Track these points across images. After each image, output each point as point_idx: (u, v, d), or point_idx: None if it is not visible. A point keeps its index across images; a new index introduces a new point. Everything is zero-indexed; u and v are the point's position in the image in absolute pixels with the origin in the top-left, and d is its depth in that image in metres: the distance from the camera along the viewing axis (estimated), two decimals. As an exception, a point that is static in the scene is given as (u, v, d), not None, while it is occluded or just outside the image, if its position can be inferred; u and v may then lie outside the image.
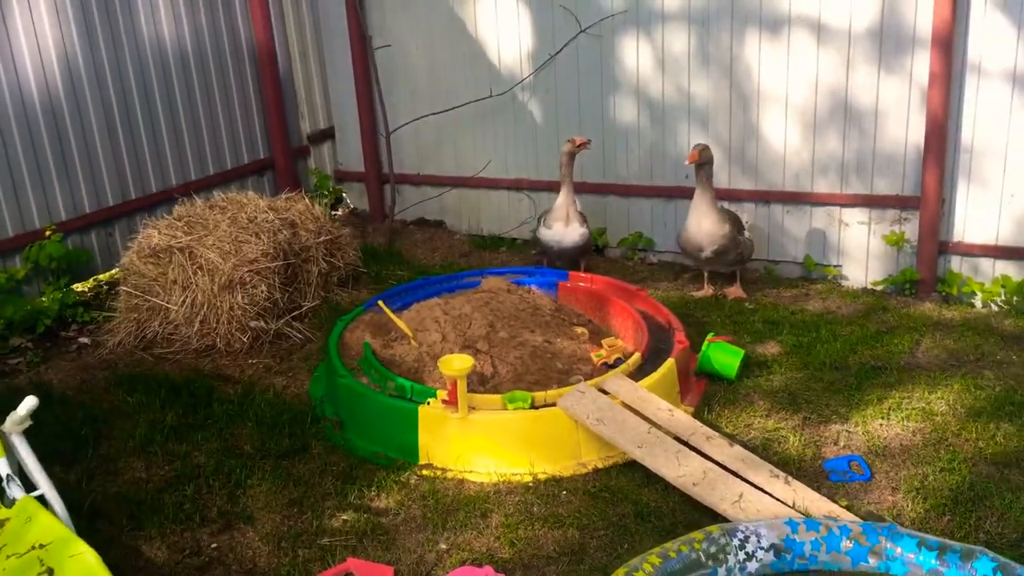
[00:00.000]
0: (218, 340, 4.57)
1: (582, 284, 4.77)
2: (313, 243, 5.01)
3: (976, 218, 4.85)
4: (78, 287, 5.13)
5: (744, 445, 3.49)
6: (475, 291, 4.59)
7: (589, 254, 5.44)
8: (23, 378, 4.37)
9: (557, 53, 5.67)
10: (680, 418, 3.52)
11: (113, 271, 5.35)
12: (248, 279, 4.57)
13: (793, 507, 3.09)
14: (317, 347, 4.66)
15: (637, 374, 3.84)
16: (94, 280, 5.32)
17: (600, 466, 3.51)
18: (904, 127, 4.89)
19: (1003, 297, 4.82)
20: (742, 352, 4.10)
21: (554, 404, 3.57)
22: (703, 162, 4.71)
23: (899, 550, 2.55)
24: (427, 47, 6.12)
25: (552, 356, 4.05)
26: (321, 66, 6.55)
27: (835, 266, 5.27)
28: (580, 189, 5.84)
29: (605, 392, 3.63)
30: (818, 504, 3.10)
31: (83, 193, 5.09)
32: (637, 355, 3.94)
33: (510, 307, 4.41)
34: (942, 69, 4.61)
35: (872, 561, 2.61)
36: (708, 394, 4.00)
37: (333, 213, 6.40)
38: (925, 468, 3.38)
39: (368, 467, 3.57)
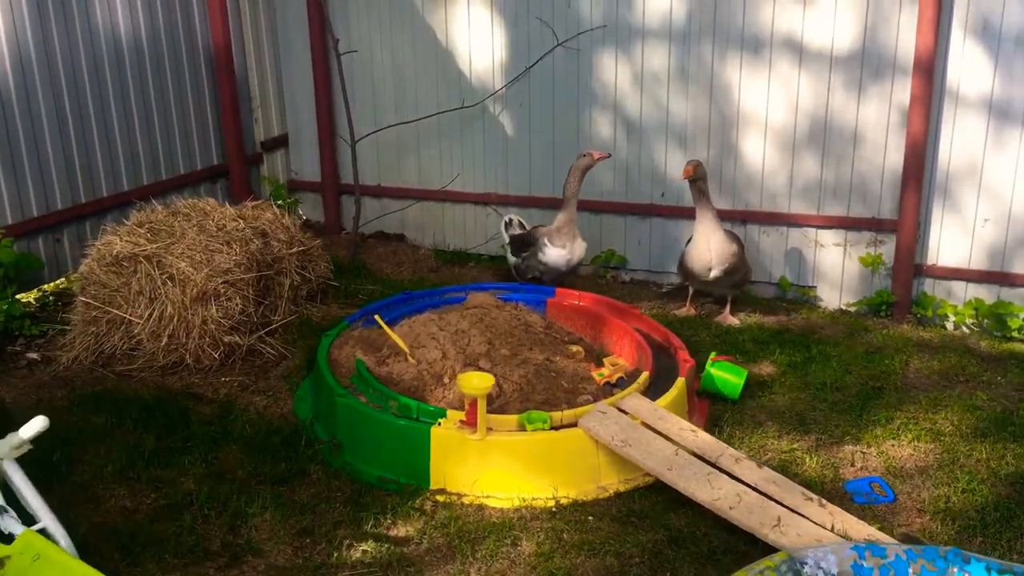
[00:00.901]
0: (187, 356, 4.23)
1: (571, 302, 4.64)
2: (285, 254, 4.72)
3: (950, 242, 4.96)
4: (22, 297, 4.68)
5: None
6: (465, 307, 4.40)
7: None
8: (-33, 397, 3.94)
9: (532, 65, 5.56)
10: (705, 439, 3.42)
11: (59, 281, 4.92)
12: (223, 291, 4.26)
13: (832, 530, 3.03)
14: (295, 364, 4.38)
15: (645, 394, 3.73)
16: (38, 290, 4.87)
17: (621, 490, 3.37)
18: (882, 151, 4.98)
19: (974, 320, 4.94)
20: (745, 372, 4.05)
21: (572, 425, 3.42)
22: (697, 178, 4.65)
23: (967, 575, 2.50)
24: (392, 54, 5.91)
25: (556, 375, 3.90)
26: (276, 71, 6.25)
27: (810, 287, 5.31)
28: (552, 204, 5.76)
29: (623, 412, 3.50)
30: (856, 527, 3.05)
31: (31, 195, 4.66)
32: (646, 374, 3.83)
33: (503, 324, 4.24)
34: (923, 93, 4.71)
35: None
36: (714, 414, 3.93)
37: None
38: (945, 489, 3.38)
39: (376, 493, 3.34)
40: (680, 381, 3.78)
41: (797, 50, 4.99)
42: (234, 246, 4.44)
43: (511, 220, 5.48)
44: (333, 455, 3.55)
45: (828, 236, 5.20)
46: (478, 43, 5.68)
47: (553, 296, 4.70)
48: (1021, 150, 4.71)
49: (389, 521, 3.16)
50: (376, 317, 4.14)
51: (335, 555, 2.96)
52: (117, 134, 5.11)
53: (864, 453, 3.64)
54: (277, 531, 3.09)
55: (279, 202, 6.05)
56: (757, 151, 5.23)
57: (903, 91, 4.83)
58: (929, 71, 4.67)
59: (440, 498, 3.30)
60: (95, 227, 5.01)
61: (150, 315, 4.19)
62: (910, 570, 2.54)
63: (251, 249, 4.51)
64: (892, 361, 4.42)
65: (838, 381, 4.21)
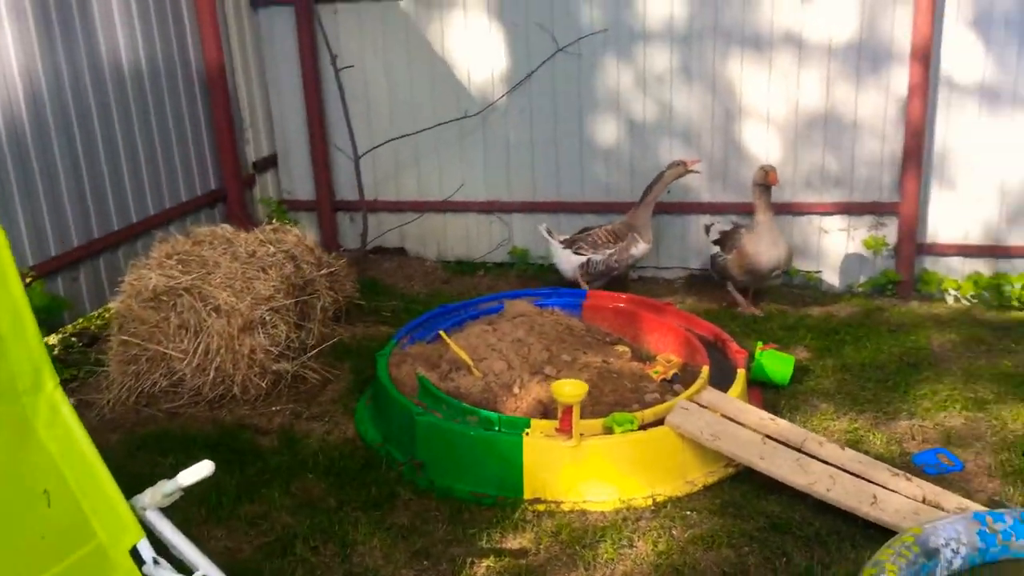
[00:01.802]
0: (235, 387, 4.15)
1: (607, 303, 4.72)
2: (316, 276, 4.67)
3: (948, 220, 5.23)
4: (47, 341, 4.50)
5: (841, 448, 3.56)
6: (511, 316, 4.43)
7: None
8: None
9: (533, 72, 5.62)
10: (785, 426, 3.54)
11: (78, 321, 4.75)
12: (268, 318, 4.19)
13: (924, 503, 3.18)
14: (343, 387, 4.33)
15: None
16: (59, 332, 4.69)
17: (708, 482, 3.47)
18: (881, 137, 5.21)
19: (975, 292, 5.21)
20: (792, 359, 4.20)
21: (654, 423, 3.50)
22: (769, 183, 4.82)
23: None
24: (386, 68, 5.89)
25: (617, 375, 3.96)
26: (263, 90, 6.14)
27: (815, 272, 5.51)
28: (557, 209, 5.83)
29: (703, 407, 3.60)
30: (946, 498, 3.20)
31: (48, 232, 4.48)
32: (706, 368, 3.93)
33: (552, 330, 4.29)
34: (922, 81, 4.95)
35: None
36: (769, 402, 4.06)
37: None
38: (1006, 454, 3.58)
39: (473, 509, 3.34)
40: (741, 372, 3.90)
41: (797, 44, 5.18)
42: (270, 272, 4.37)
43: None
44: (417, 475, 3.55)
45: (832, 222, 5.42)
46: (476, 52, 5.71)
47: (585, 298, 4.77)
48: (1011, 130, 4.99)
49: (499, 535, 3.18)
50: (441, 333, 4.13)
51: (462, 573, 2.97)
52: (124, 165, 4.95)
53: (921, 426, 3.82)
54: (391, 555, 3.08)
55: (284, 223, 5.95)
56: (761, 145, 5.40)
57: (900, 80, 5.07)
58: (927, 59, 4.92)
59: (540, 507, 3.33)
60: (109, 263, 4.86)
61: (196, 349, 4.10)
62: (1029, 533, 2.69)
63: (285, 273, 4.45)
64: (916, 337, 4.64)
65: (874, 360, 4.40)
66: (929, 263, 5.33)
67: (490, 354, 4.00)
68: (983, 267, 5.23)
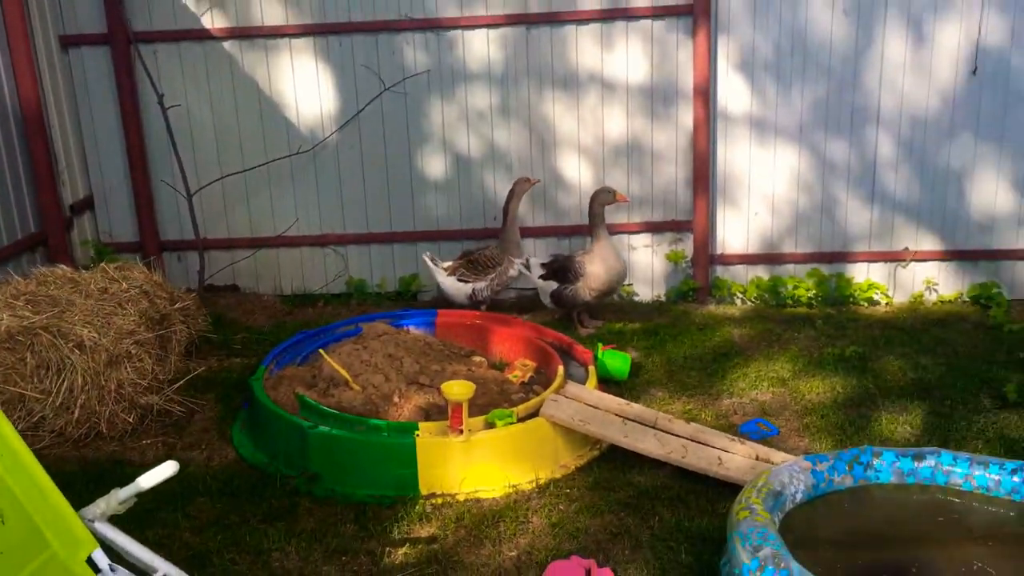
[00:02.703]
0: (101, 424, 4.09)
1: (459, 319, 5.08)
2: (171, 310, 4.67)
3: (733, 233, 6.09)
4: None
5: (683, 424, 4.14)
6: (375, 336, 4.67)
7: None
8: None
9: (361, 110, 5.93)
10: (639, 408, 4.07)
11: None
12: (134, 351, 4.17)
13: (757, 459, 3.81)
14: (211, 416, 4.38)
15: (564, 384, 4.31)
16: None
17: (579, 464, 3.92)
18: (675, 164, 6.00)
19: (757, 294, 6.10)
20: (629, 356, 4.77)
21: (529, 417, 3.90)
22: (607, 203, 5.37)
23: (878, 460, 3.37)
24: (212, 107, 5.96)
25: (483, 382, 4.33)
26: (78, 130, 5.99)
27: (627, 284, 6.20)
28: (388, 239, 6.14)
29: (569, 399, 4.05)
30: (774, 454, 3.85)
31: None
32: (561, 368, 4.40)
33: (415, 346, 4.60)
34: (704, 115, 5.79)
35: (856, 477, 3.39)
36: (614, 394, 4.57)
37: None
38: (809, 417, 4.33)
39: (375, 509, 3.57)
40: (592, 369, 4.41)
41: (600, 84, 5.86)
42: (128, 307, 4.36)
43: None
44: (313, 486, 3.71)
45: (638, 239, 6.13)
46: (304, 91, 5.93)
47: (438, 317, 5.11)
48: (776, 155, 5.94)
49: (407, 527, 3.43)
50: (321, 351, 4.30)
51: (382, 563, 3.19)
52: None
53: (740, 403, 4.50)
54: (308, 556, 3.25)
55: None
56: (574, 173, 6.03)
57: (687, 115, 5.88)
58: (707, 97, 5.76)
59: (437, 500, 3.62)
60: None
61: (59, 387, 4.00)
62: (845, 466, 3.36)
63: (142, 308, 4.44)
64: (721, 333, 5.39)
65: (692, 354, 5.08)
66: (720, 271, 6.18)
67: (365, 369, 4.24)
68: (763, 272, 6.14)
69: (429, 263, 5.58)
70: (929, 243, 5.97)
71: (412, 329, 4.98)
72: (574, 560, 3.14)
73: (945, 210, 5.89)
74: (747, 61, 5.79)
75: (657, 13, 5.73)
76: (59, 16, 5.81)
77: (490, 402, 4.15)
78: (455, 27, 5.80)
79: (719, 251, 6.13)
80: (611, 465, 3.89)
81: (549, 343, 4.75)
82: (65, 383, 4.02)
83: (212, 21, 5.86)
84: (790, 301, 6.02)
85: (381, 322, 4.94)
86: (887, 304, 6.00)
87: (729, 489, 3.61)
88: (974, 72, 5.65)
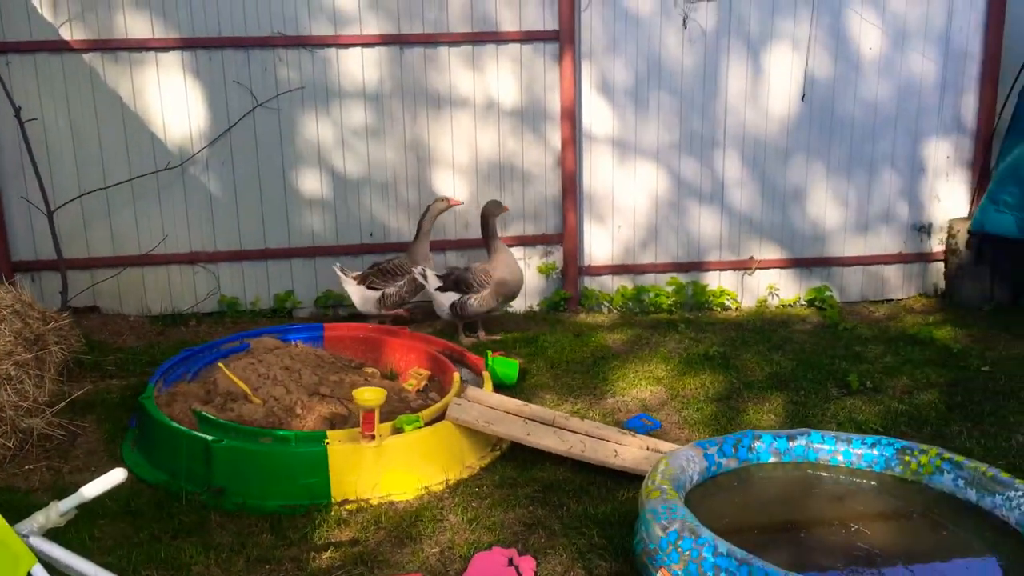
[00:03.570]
0: (-21, 451, 3.86)
1: (347, 332, 5.13)
2: (44, 331, 4.46)
3: (599, 246, 6.46)
4: None
5: (576, 422, 4.39)
6: (267, 350, 4.64)
7: None
8: None
9: (233, 126, 5.86)
10: (536, 408, 4.28)
11: None
12: (13, 373, 3.97)
13: (648, 449, 4.10)
14: (96, 438, 4.22)
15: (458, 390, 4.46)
16: None
17: (483, 464, 4.07)
18: (544, 181, 6.30)
19: (622, 303, 6.49)
20: (517, 362, 4.98)
21: (435, 421, 4.02)
22: (497, 214, 5.55)
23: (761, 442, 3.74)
24: (71, 121, 5.73)
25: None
26: (-83, 144, 5.59)
27: (500, 297, 6.43)
28: (262, 256, 6.09)
29: (471, 402, 4.20)
30: (663, 444, 4.15)
31: None
32: (457, 375, 4.54)
33: (308, 359, 4.61)
34: (571, 136, 6.13)
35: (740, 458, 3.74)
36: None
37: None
38: (687, 411, 4.68)
39: (290, 518, 3.58)
40: (486, 374, 4.59)
41: (472, 106, 6.09)
42: (2, 327, 4.13)
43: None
44: (221, 500, 3.67)
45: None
46: (172, 107, 5.80)
47: (326, 331, 5.13)
48: (635, 173, 6.36)
49: (326, 532, 3.46)
50: (220, 365, 4.23)
51: (308, 567, 3.22)
52: None
53: (623, 401, 4.81)
54: (230, 567, 3.22)
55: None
56: (449, 190, 6.20)
57: (555, 135, 6.21)
58: (573, 119, 6.11)
59: (350, 507, 3.67)
60: None
61: (-68, 414, 3.75)
62: (732, 448, 3.70)
63: (16, 328, 4.23)
64: (596, 339, 5.71)
65: (573, 358, 5.35)
66: (588, 282, 6.52)
67: (264, 383, 4.22)
68: (627, 282, 6.54)
69: (339, 272, 5.69)
70: (771, 252, 6.56)
71: (300, 343, 4.98)
72: (496, 551, 3.30)
73: (784, 223, 6.51)
74: (609, 86, 6.18)
75: (525, 38, 6.03)
76: None
77: (392, 410, 4.23)
78: (329, 45, 5.86)
79: (587, 263, 6.47)
80: (514, 464, 4.06)
81: (440, 352, 4.89)
82: (-62, 409, 3.77)
83: (71, 33, 5.64)
84: (652, 308, 6.44)
85: (268, 337, 4.91)
86: (737, 308, 6.54)
87: (626, 479, 3.87)
88: (803, 99, 6.30)
